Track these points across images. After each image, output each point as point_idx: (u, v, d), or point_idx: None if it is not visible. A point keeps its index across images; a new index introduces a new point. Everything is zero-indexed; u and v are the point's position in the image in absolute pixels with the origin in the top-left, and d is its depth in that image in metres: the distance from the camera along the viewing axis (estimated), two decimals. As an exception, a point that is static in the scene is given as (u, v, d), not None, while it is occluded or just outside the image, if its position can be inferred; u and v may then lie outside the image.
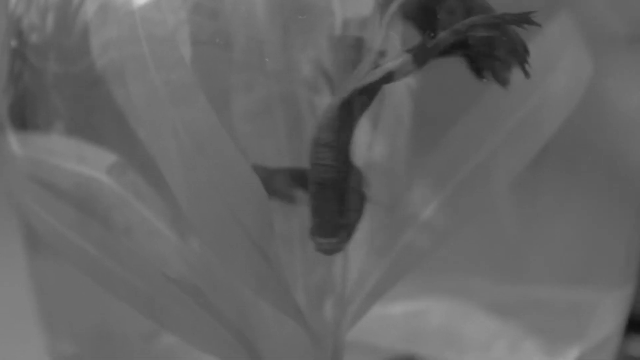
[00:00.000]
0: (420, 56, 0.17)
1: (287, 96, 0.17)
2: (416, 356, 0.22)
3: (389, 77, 0.17)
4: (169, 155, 0.16)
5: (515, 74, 0.18)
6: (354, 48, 0.17)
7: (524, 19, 0.16)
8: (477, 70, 0.17)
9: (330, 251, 0.17)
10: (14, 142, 0.19)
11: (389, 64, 0.16)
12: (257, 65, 0.17)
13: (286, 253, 0.18)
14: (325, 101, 0.17)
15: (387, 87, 0.17)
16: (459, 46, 0.17)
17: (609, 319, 0.22)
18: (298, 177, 0.18)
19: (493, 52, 0.16)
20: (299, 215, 0.18)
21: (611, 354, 0.22)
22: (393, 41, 0.17)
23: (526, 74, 0.16)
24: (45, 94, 0.19)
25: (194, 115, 0.16)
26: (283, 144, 0.18)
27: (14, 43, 0.20)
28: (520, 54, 0.16)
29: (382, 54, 0.17)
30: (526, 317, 0.22)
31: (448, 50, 0.17)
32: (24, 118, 0.19)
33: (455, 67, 0.17)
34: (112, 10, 0.18)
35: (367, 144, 0.18)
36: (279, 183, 0.17)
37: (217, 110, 0.17)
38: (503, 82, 0.17)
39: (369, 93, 0.17)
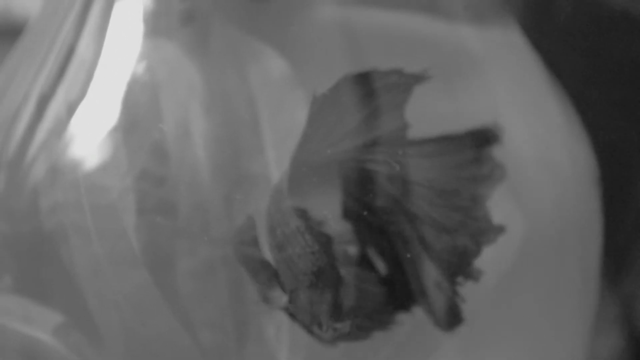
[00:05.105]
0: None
1: (231, 259, 0.18)
2: None
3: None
4: (111, 324, 0.17)
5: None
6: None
7: None
8: None
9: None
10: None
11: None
12: (201, 232, 0.17)
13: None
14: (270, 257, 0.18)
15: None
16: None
17: None
18: None
19: None
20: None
21: None
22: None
23: None
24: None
25: (136, 288, 0.16)
26: (226, 305, 0.18)
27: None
28: None
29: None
30: None
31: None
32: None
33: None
34: (60, 173, 0.18)
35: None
36: None
37: (160, 272, 0.18)
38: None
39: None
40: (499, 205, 0.19)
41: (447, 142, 0.18)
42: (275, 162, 0.18)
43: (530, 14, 0.28)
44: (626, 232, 0.28)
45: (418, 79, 0.18)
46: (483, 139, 0.18)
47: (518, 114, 0.20)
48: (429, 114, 0.19)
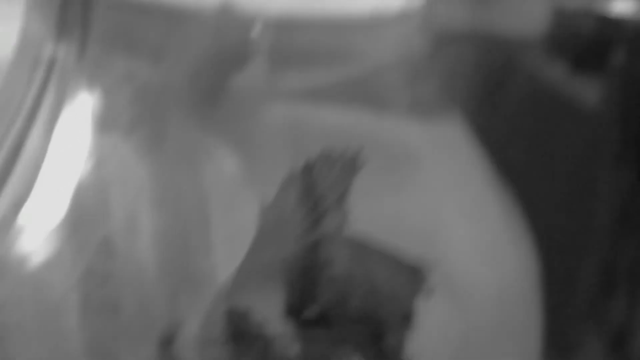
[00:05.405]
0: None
1: None
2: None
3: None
4: None
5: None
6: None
7: None
8: None
9: None
10: None
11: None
12: (144, 332, 0.18)
13: None
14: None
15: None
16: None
17: None
18: None
19: None
20: None
21: None
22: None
23: None
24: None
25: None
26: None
27: None
28: None
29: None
30: None
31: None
32: None
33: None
34: (5, 270, 0.18)
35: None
36: None
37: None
38: None
39: None
40: (437, 304, 0.19)
41: (389, 262, 0.19)
42: (223, 262, 0.18)
43: (477, 105, 0.29)
44: (571, 320, 0.28)
45: (356, 169, 0.19)
46: (418, 281, 0.19)
47: (459, 212, 0.21)
48: (372, 212, 0.19)
